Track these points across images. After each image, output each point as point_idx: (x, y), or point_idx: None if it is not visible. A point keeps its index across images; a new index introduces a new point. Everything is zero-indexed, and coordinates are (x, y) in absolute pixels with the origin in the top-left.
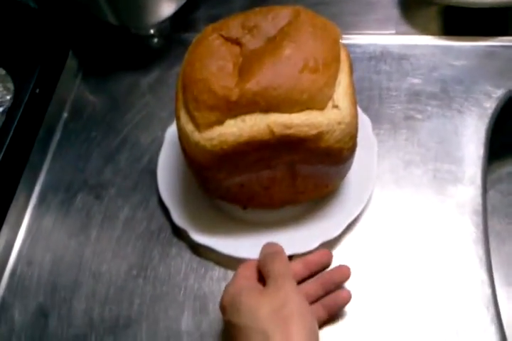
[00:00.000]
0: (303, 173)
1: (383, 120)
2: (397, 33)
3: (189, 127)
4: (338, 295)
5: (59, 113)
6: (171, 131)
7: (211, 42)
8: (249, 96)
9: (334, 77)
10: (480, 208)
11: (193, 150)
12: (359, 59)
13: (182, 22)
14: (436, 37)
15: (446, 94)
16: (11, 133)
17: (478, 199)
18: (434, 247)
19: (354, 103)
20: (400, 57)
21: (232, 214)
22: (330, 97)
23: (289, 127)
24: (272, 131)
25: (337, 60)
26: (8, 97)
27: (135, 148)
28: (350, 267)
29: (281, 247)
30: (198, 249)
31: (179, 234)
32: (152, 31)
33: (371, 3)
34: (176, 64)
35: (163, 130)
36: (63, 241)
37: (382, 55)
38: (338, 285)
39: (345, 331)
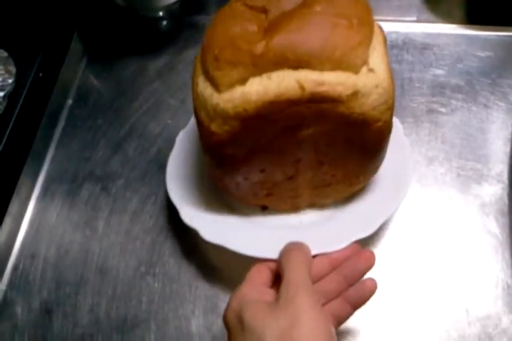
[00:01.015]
0: (331, 157)
1: (405, 113)
2: (418, 21)
3: (207, 91)
4: (362, 286)
5: (63, 99)
6: (182, 136)
7: (235, 9)
8: (276, 51)
9: (369, 39)
10: (506, 208)
11: (211, 119)
12: None
13: (192, 4)
14: (461, 26)
15: (472, 87)
16: (13, 119)
17: (505, 199)
18: (457, 248)
19: (390, 72)
20: (422, 47)
21: (249, 215)
22: (364, 61)
23: (321, 84)
24: (302, 87)
25: (371, 23)
26: (10, 81)
27: (143, 138)
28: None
29: (306, 246)
30: (209, 246)
31: (190, 229)
32: (161, 13)
33: None
34: (186, 48)
35: (173, 118)
36: (68, 234)
37: (404, 44)
38: (363, 275)
39: (367, 330)
